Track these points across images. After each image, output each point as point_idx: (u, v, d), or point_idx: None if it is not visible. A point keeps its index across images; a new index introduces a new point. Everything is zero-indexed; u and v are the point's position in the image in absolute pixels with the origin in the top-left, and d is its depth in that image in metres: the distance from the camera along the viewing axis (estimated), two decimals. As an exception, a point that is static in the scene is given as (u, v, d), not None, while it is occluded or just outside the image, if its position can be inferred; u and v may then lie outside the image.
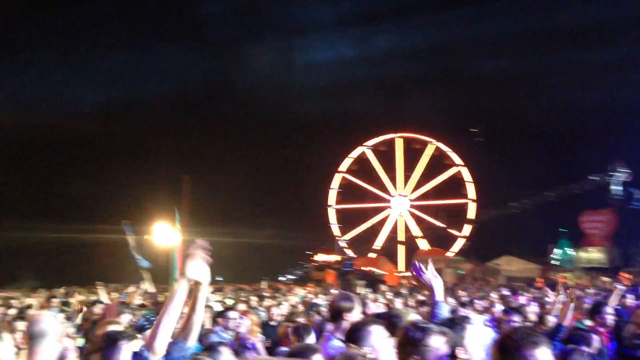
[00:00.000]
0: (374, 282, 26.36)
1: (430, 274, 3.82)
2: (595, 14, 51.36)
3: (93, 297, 12.16)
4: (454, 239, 47.91)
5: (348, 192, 50.83)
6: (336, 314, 4.08)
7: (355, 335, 3.16)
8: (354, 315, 4.02)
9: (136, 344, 3.27)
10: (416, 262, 3.89)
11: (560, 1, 54.75)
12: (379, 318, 3.61)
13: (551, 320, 6.62)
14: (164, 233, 16.42)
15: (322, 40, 58.90)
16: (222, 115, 55.77)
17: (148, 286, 11.67)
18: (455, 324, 3.32)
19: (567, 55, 51.10)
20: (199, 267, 3.06)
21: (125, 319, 6.62)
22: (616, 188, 36.87)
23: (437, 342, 2.73)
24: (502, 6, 53.48)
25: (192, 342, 3.14)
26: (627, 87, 44.49)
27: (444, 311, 3.68)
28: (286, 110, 54.64)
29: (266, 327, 8.50)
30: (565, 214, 42.19)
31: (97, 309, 8.35)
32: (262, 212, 49.21)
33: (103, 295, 10.66)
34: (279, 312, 9.59)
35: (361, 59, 59.20)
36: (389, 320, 3.62)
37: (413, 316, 3.64)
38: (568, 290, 6.23)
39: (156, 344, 2.90)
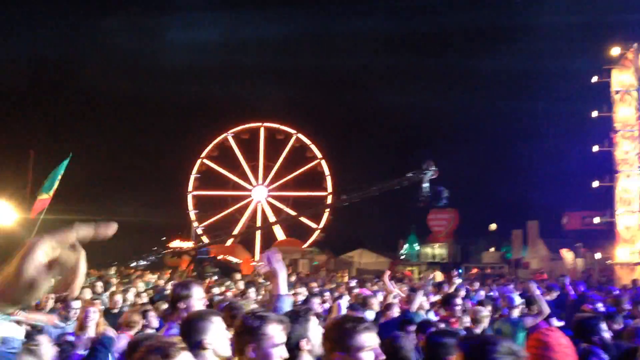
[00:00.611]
0: (229, 271, 26.14)
1: (277, 264, 3.67)
2: (433, 24, 55.49)
3: None
4: (311, 230, 48.94)
5: (209, 178, 50.10)
6: (173, 301, 3.95)
7: (192, 325, 3.04)
8: (193, 304, 3.88)
9: None
10: (268, 252, 3.78)
11: (412, 9, 58.65)
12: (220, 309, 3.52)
13: (396, 309, 6.91)
14: (3, 211, 15.06)
15: (188, 22, 57.30)
16: (82, 91, 52.45)
17: None
18: (299, 315, 3.29)
19: (408, 60, 55.13)
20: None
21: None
22: (426, 185, 37.71)
23: (274, 331, 2.72)
24: (363, 7, 56.06)
25: None
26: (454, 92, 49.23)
27: (286, 305, 3.62)
28: (152, 90, 52.54)
29: (108, 315, 8.04)
30: (414, 211, 44.74)
31: None
32: (118, 194, 46.94)
33: None
34: (123, 299, 9.21)
35: (229, 45, 58.46)
36: (229, 311, 3.55)
37: (254, 306, 3.58)
38: (411, 282, 6.54)
39: None
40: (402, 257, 46.15)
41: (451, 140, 50.59)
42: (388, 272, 9.51)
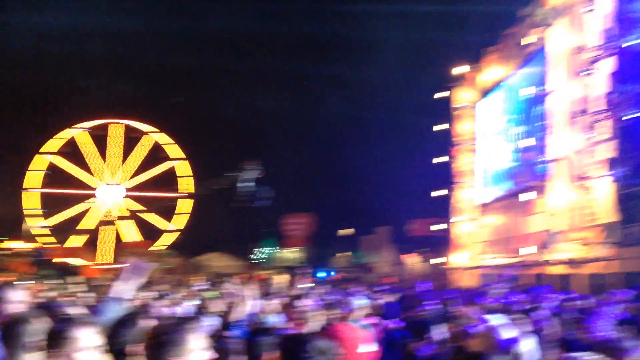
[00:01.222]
0: (68, 273, 24.62)
1: (131, 271, 3.84)
2: (284, 29, 57.21)
3: None
4: (164, 232, 47.62)
5: (52, 176, 46.74)
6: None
7: (12, 328, 2.94)
8: (7, 307, 3.69)
9: None
10: (135, 261, 3.93)
11: (260, 14, 59.99)
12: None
13: (240, 311, 6.87)
14: None
15: (33, 5, 52.81)
16: None
17: None
18: (126, 320, 3.29)
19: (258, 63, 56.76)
20: None
21: None
22: (243, 185, 36.14)
23: (84, 334, 2.64)
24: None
25: None
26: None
27: (113, 309, 3.64)
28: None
29: None
30: (271, 215, 45.09)
31: None
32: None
33: None
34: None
35: (79, 35, 54.77)
36: (52, 311, 3.47)
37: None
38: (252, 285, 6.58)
39: None
40: (256, 260, 46.33)
41: (303, 148, 52.01)
42: (240, 276, 9.51)
